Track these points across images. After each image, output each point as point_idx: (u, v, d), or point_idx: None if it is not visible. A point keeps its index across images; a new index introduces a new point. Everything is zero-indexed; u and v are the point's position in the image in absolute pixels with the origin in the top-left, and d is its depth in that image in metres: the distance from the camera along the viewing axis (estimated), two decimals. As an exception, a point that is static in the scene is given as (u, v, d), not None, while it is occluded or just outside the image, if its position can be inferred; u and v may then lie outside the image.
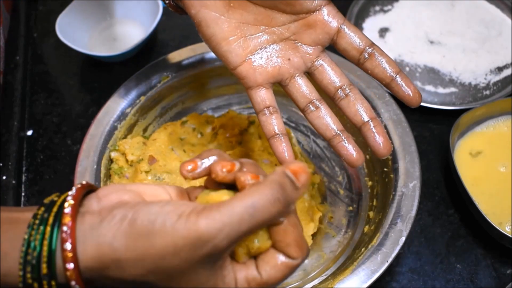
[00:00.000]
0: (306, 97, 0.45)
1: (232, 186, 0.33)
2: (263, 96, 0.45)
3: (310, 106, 0.45)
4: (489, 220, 0.55)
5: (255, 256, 0.32)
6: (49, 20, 0.79)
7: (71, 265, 0.29)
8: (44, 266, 0.29)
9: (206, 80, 0.66)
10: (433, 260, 0.58)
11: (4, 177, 0.63)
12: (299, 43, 0.45)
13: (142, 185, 0.34)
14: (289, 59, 0.45)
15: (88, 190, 0.33)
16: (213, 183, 0.34)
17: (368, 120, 0.44)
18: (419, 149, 0.55)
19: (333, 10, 0.44)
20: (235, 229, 0.28)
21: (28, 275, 0.29)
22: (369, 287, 0.46)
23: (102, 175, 0.55)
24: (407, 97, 0.43)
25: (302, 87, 0.45)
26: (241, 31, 0.44)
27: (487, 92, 0.72)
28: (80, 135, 0.68)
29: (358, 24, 0.79)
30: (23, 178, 0.65)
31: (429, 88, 0.73)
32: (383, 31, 0.78)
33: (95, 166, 0.55)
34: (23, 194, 0.64)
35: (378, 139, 0.43)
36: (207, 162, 0.34)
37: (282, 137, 0.45)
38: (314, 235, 0.56)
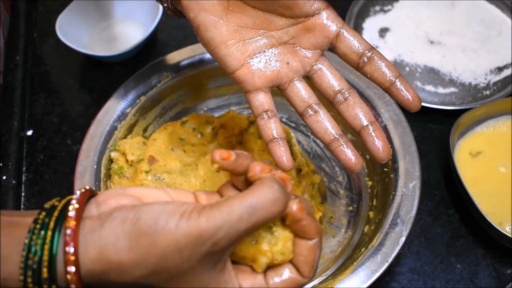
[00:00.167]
0: (305, 101, 0.45)
1: None
2: (262, 100, 0.45)
3: (309, 110, 0.45)
4: (489, 220, 0.55)
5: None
6: (49, 20, 0.79)
7: (72, 268, 0.29)
8: (44, 271, 0.29)
9: (206, 80, 0.66)
10: (433, 260, 0.58)
11: (4, 177, 0.63)
12: (298, 47, 0.45)
13: (143, 188, 0.34)
14: (287, 63, 0.45)
15: (90, 195, 0.33)
16: (237, 185, 0.34)
17: (367, 124, 0.44)
18: (419, 149, 0.55)
19: (332, 14, 0.43)
20: (234, 227, 0.29)
21: (29, 279, 0.29)
22: (369, 287, 0.46)
23: (102, 175, 0.55)
24: (406, 101, 0.43)
25: (300, 91, 0.45)
26: (239, 34, 0.44)
27: (487, 92, 0.72)
28: (80, 135, 0.68)
29: (358, 24, 0.79)
30: (23, 178, 0.65)
31: (429, 88, 0.73)
32: (383, 31, 0.78)
33: (95, 166, 0.55)
34: (23, 194, 0.64)
35: (377, 144, 0.43)
36: (240, 153, 0.33)
37: (280, 141, 0.45)
38: (314, 235, 0.56)
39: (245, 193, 0.30)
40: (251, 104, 0.45)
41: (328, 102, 0.45)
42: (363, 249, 0.49)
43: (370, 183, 0.59)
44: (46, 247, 0.29)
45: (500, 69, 0.74)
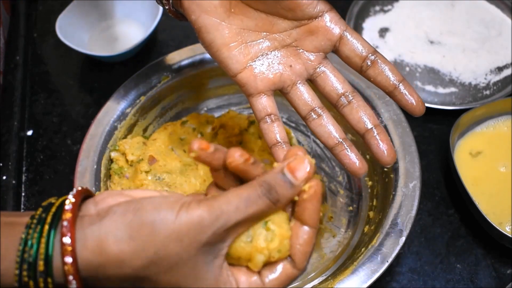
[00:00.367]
0: (308, 104, 0.45)
1: None
2: (265, 103, 0.44)
3: (312, 114, 0.45)
4: (489, 220, 0.55)
5: None
6: (49, 20, 0.79)
7: (69, 259, 0.29)
8: (40, 263, 0.29)
9: (206, 80, 0.66)
10: (433, 260, 0.58)
11: (4, 177, 0.63)
12: (301, 50, 0.44)
13: (140, 191, 0.34)
14: (290, 66, 0.44)
15: (87, 194, 0.33)
16: (218, 183, 0.34)
17: (372, 127, 0.43)
18: (419, 149, 0.55)
19: (335, 16, 0.43)
20: (231, 217, 0.30)
21: (24, 273, 0.29)
22: (369, 287, 0.46)
23: (102, 175, 0.55)
24: (410, 105, 0.43)
25: (303, 95, 0.45)
26: (241, 37, 0.43)
27: (487, 92, 0.72)
28: (80, 135, 0.68)
29: (358, 24, 0.79)
30: (23, 178, 0.65)
31: (429, 88, 0.73)
32: (383, 31, 0.78)
33: (95, 166, 0.55)
34: (23, 194, 0.64)
35: (382, 147, 0.43)
36: (220, 148, 0.33)
37: (284, 146, 0.44)
38: (314, 235, 0.56)
39: (240, 188, 0.31)
40: (254, 108, 0.45)
41: (332, 105, 0.45)
42: (363, 249, 0.49)
43: (370, 183, 0.59)
44: (43, 240, 0.29)
45: (500, 69, 0.74)
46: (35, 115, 0.71)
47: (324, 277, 0.51)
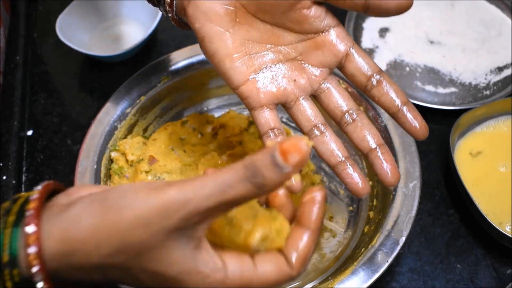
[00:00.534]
0: (311, 121, 0.43)
1: None
2: (268, 117, 0.43)
3: (315, 130, 0.43)
4: (489, 220, 0.55)
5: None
6: (49, 20, 0.79)
7: (33, 249, 0.28)
8: (5, 254, 0.28)
9: (206, 80, 0.66)
10: (433, 260, 0.58)
11: (4, 177, 0.63)
12: (306, 64, 0.43)
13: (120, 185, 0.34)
14: (295, 80, 0.43)
15: (59, 188, 0.33)
16: None
17: (376, 147, 0.42)
18: (419, 149, 0.55)
19: (342, 32, 0.42)
20: (204, 202, 0.27)
21: None
22: (369, 287, 0.46)
23: (102, 175, 0.55)
24: (413, 129, 0.42)
25: (307, 110, 0.43)
26: (246, 48, 0.42)
27: (487, 92, 0.72)
28: (80, 135, 0.68)
29: (358, 24, 0.79)
30: (23, 178, 0.65)
31: (429, 88, 0.73)
32: (383, 31, 0.78)
33: (95, 166, 0.55)
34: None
35: (386, 167, 0.42)
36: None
37: None
38: (314, 235, 0.56)
39: (220, 170, 0.28)
40: (257, 122, 0.43)
41: (335, 122, 0.44)
42: (363, 249, 0.49)
43: (370, 183, 0.59)
44: (8, 230, 0.28)
45: (500, 69, 0.74)
46: (35, 115, 0.71)
47: (324, 277, 0.51)
